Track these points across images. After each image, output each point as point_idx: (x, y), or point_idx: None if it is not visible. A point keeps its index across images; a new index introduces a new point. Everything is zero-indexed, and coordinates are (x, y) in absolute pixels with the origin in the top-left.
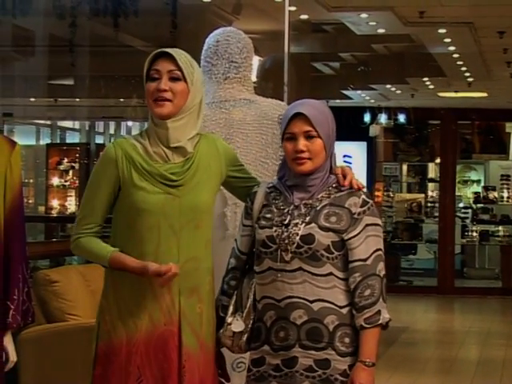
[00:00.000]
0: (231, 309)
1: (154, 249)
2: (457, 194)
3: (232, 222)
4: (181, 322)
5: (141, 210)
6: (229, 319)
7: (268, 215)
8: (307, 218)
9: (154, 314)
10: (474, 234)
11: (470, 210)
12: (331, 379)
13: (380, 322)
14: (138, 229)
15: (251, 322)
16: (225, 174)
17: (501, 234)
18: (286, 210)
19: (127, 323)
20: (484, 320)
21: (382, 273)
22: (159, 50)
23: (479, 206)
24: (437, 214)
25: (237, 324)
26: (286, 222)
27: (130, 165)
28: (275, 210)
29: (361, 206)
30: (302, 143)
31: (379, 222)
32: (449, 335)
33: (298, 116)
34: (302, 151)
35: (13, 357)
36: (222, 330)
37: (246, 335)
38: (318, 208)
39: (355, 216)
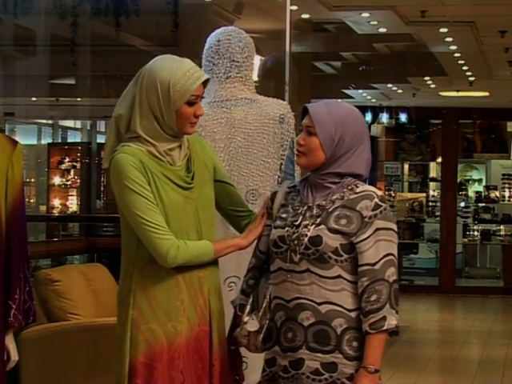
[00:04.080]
0: (248, 308)
1: None
2: (458, 193)
3: None
4: (211, 321)
5: (170, 216)
6: (245, 318)
7: (283, 215)
8: (318, 220)
9: (191, 317)
10: (476, 233)
11: (471, 209)
12: (338, 383)
13: (385, 327)
14: None
15: (267, 321)
16: (212, 171)
17: (502, 233)
18: (299, 211)
19: (167, 328)
20: (485, 319)
21: (392, 278)
22: (206, 77)
23: (481, 205)
24: (438, 214)
25: (252, 323)
26: (298, 222)
27: (150, 171)
28: (291, 210)
29: (372, 210)
30: (302, 137)
31: (392, 226)
32: (450, 334)
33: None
34: (299, 144)
35: (14, 356)
36: (238, 329)
37: (261, 335)
38: (330, 210)
39: (366, 219)
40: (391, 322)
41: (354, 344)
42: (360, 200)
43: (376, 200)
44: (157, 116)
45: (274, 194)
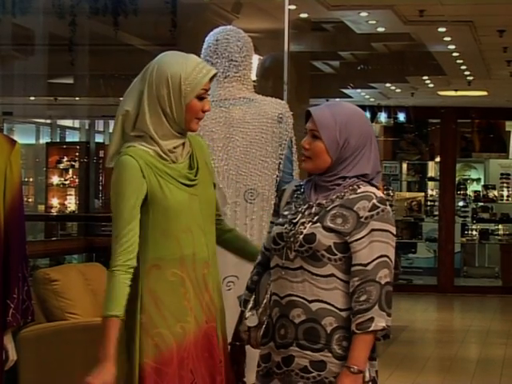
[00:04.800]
0: (251, 304)
1: (191, 249)
2: (456, 192)
3: (232, 220)
4: (216, 318)
5: (176, 214)
6: (246, 314)
7: (286, 212)
8: (315, 218)
9: (198, 315)
10: (474, 232)
11: (469, 208)
12: (326, 382)
13: (371, 328)
14: (174, 234)
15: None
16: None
17: (500, 232)
18: (300, 209)
19: (175, 330)
20: (484, 319)
21: (384, 280)
22: (215, 71)
23: (479, 204)
24: (437, 213)
25: (252, 319)
26: (296, 220)
27: (153, 172)
28: (293, 208)
29: (369, 210)
30: (307, 141)
31: (390, 228)
32: (448, 334)
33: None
34: (305, 148)
35: (13, 355)
36: (240, 325)
37: (261, 330)
38: (328, 209)
39: (362, 220)
40: (379, 323)
41: (344, 343)
42: (358, 200)
43: (374, 201)
44: (165, 111)
45: (281, 192)
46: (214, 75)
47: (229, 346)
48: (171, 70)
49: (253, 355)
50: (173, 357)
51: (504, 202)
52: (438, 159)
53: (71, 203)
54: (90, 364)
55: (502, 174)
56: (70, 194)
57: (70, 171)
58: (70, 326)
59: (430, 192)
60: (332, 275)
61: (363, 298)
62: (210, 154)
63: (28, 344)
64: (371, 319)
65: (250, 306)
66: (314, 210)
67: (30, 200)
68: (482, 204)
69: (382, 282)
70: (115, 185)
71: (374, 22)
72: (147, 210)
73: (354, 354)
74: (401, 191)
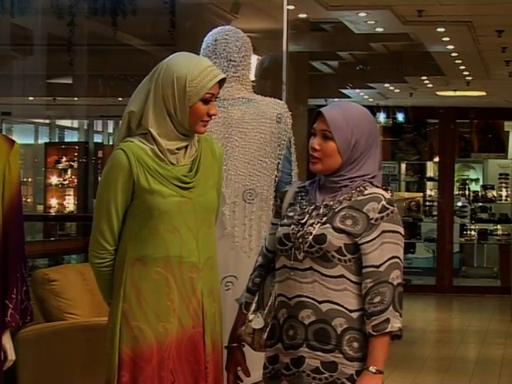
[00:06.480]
0: (254, 306)
1: (178, 251)
2: (455, 192)
3: (230, 220)
4: (204, 324)
5: (162, 214)
6: (250, 316)
7: (291, 214)
8: (324, 219)
9: (183, 317)
10: (473, 232)
11: (468, 209)
12: (338, 383)
13: (388, 330)
14: (160, 233)
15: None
16: (218, 179)
17: (499, 232)
18: (306, 210)
19: (156, 328)
20: (482, 319)
21: (396, 281)
22: (223, 76)
23: (478, 204)
24: (435, 213)
25: (257, 321)
26: (303, 221)
27: (143, 169)
28: (298, 209)
29: (379, 212)
30: (317, 142)
31: (399, 229)
32: (447, 334)
33: (322, 114)
34: (315, 149)
35: (11, 355)
36: (243, 327)
37: (266, 333)
38: (337, 210)
39: (372, 221)
40: (394, 324)
41: (355, 345)
42: (367, 202)
43: (383, 202)
44: (170, 112)
45: (283, 193)
46: (224, 80)
47: (225, 350)
48: (178, 71)
49: (254, 355)
50: (152, 355)
51: (503, 202)
52: (436, 159)
53: (70, 203)
54: (88, 364)
55: (500, 174)
56: (69, 194)
57: (69, 171)
58: (68, 326)
59: (428, 192)
60: (342, 276)
61: (377, 299)
62: (222, 163)
63: (27, 344)
64: (387, 320)
65: (252, 308)
66: (321, 211)
67: (28, 200)
68: (480, 204)
69: (395, 283)
70: (102, 177)
71: (373, 22)
72: (135, 206)
73: (373, 356)
74: (399, 191)
